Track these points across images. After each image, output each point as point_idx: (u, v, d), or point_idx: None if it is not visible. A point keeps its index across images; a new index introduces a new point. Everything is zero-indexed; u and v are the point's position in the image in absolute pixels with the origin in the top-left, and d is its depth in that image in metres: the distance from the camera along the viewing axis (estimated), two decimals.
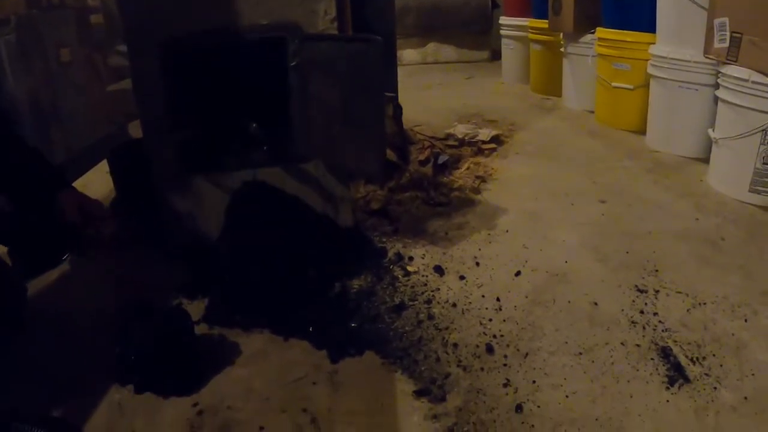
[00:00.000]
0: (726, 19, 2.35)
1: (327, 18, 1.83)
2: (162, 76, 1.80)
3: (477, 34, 5.90)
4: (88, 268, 2.00)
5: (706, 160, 2.63)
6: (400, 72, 4.05)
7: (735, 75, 2.29)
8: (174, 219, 1.95)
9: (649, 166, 2.76)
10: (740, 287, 1.76)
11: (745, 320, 1.61)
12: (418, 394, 1.38)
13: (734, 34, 2.30)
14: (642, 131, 3.16)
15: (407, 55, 5.98)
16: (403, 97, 2.77)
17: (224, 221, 1.93)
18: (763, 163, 2.24)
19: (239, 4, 1.78)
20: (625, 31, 3.20)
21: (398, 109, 2.55)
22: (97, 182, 2.66)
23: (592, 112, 3.67)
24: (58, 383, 1.47)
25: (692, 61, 2.69)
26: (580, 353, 1.49)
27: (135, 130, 1.95)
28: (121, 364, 1.45)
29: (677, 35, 2.81)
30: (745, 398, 1.34)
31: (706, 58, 2.52)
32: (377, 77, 1.61)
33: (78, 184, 2.66)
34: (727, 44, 2.34)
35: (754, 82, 2.20)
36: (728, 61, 2.34)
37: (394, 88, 2.65)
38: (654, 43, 2.96)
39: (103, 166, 2.44)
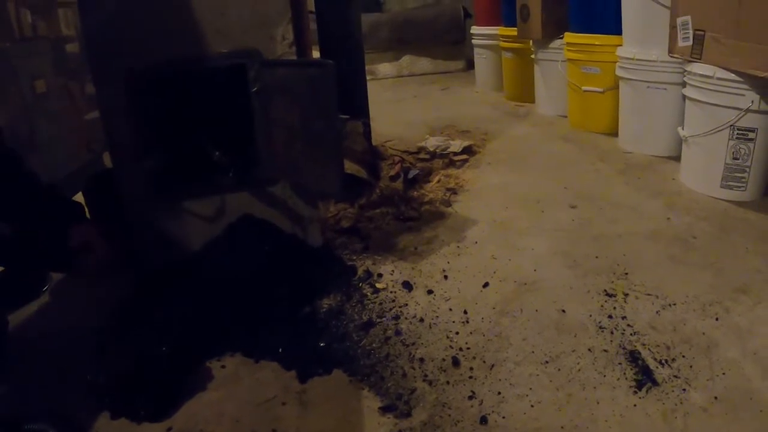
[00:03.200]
0: (688, 18, 2.36)
1: (285, 43, 1.84)
2: (127, 105, 1.81)
3: (451, 45, 5.91)
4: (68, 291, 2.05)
5: (678, 159, 2.63)
6: (376, 86, 4.05)
7: (700, 72, 2.29)
8: (145, 245, 1.95)
9: (620, 168, 2.77)
10: (711, 285, 1.76)
11: (716, 319, 1.60)
12: (384, 410, 1.37)
13: (697, 32, 2.32)
14: (614, 133, 3.17)
15: (383, 68, 5.99)
16: (378, 112, 2.79)
17: (195, 246, 1.94)
18: (733, 159, 2.25)
19: (200, 33, 1.79)
20: (592, 35, 3.22)
21: (367, 126, 2.55)
22: None
23: (566, 117, 3.68)
24: (36, 408, 1.47)
25: (658, 61, 2.71)
26: (547, 362, 1.48)
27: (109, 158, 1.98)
28: (95, 391, 1.47)
29: (642, 36, 2.83)
30: (716, 398, 1.33)
31: (671, 57, 2.53)
32: (332, 99, 1.61)
33: None
34: (690, 42, 2.35)
35: (719, 79, 2.21)
36: (693, 59, 2.35)
37: (364, 104, 2.65)
38: (621, 45, 2.98)
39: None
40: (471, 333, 1.62)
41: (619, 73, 2.97)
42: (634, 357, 1.48)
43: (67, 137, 3.64)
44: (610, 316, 1.64)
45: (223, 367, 1.58)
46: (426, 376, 1.47)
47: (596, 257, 1.95)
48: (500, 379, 1.44)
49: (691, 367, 1.44)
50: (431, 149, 3.00)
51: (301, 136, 1.73)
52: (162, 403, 1.45)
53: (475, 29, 4.85)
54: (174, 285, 1.85)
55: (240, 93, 1.82)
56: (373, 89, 2.79)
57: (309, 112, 1.68)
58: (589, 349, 1.52)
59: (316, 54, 2.36)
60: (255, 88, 1.80)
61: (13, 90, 3.15)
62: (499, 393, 1.40)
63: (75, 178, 3.16)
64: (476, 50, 4.92)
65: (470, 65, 5.56)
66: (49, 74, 3.55)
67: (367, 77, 2.79)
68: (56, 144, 3.45)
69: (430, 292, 1.83)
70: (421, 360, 1.53)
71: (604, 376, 1.43)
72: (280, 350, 1.61)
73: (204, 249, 1.94)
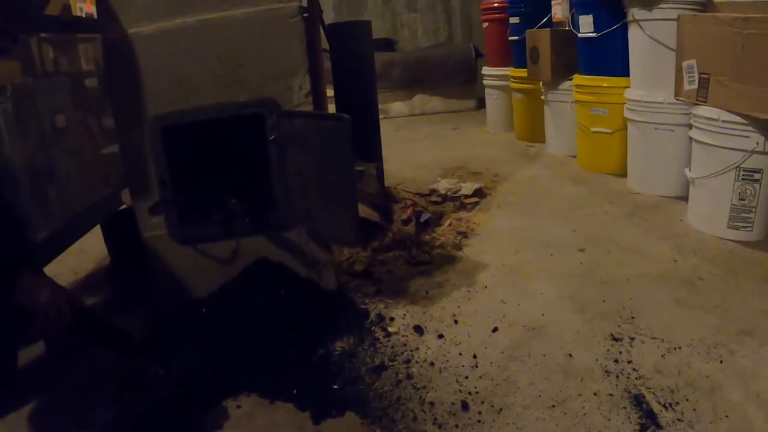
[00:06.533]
0: (693, 61, 2.41)
1: (302, 93, 1.90)
2: (149, 151, 1.88)
3: (463, 84, 5.99)
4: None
5: (685, 199, 2.67)
6: (388, 125, 4.08)
7: (705, 115, 2.35)
8: (162, 286, 2.02)
9: (629, 210, 2.80)
10: (717, 327, 1.79)
11: (720, 361, 1.63)
12: None
13: (702, 75, 2.37)
14: (623, 174, 3.21)
15: (395, 107, 6.07)
16: (390, 152, 2.82)
17: (212, 288, 1.99)
18: (740, 200, 2.28)
19: (220, 83, 1.86)
20: (600, 77, 3.28)
21: (380, 170, 2.60)
22: (94, 246, 2.72)
23: (575, 157, 3.72)
24: None
25: (665, 103, 2.76)
26: (553, 406, 1.51)
27: (128, 197, 2.03)
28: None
29: (650, 79, 2.89)
30: None
31: (677, 99, 2.58)
32: (348, 152, 1.67)
33: (75, 247, 2.71)
34: (696, 85, 2.40)
35: (724, 121, 2.26)
36: (698, 102, 2.39)
37: (378, 146, 2.71)
38: (629, 87, 3.04)
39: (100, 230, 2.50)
40: (480, 377, 1.65)
41: (627, 114, 3.02)
42: (638, 401, 1.51)
43: (85, 171, 3.70)
44: (615, 360, 1.67)
45: (238, 407, 1.62)
46: (436, 419, 1.50)
47: (603, 301, 1.99)
48: (508, 423, 1.47)
49: (694, 410, 1.46)
50: (443, 192, 3.04)
51: (317, 186, 1.78)
52: None
53: (486, 70, 4.93)
54: (190, 326, 1.90)
55: (257, 141, 1.88)
56: (385, 128, 2.84)
57: (324, 163, 1.73)
58: (595, 393, 1.55)
59: (330, 93, 2.40)
60: (272, 137, 1.86)
61: (35, 124, 3.22)
62: None
63: (92, 212, 3.22)
64: (487, 90, 4.99)
65: (481, 104, 5.61)
66: (69, 108, 3.62)
67: (380, 116, 2.84)
68: (75, 177, 3.51)
69: (440, 336, 1.86)
70: (431, 404, 1.56)
71: (609, 420, 1.45)
72: (295, 391, 1.64)
73: (220, 291, 1.99)
